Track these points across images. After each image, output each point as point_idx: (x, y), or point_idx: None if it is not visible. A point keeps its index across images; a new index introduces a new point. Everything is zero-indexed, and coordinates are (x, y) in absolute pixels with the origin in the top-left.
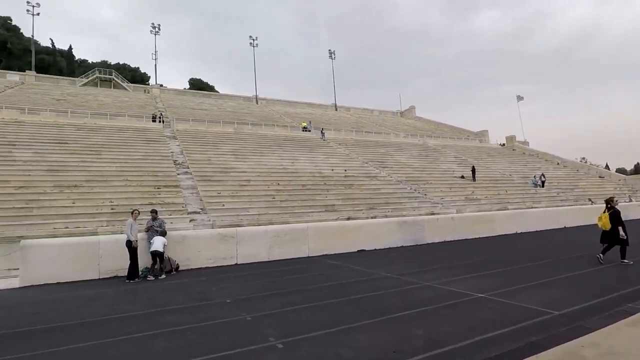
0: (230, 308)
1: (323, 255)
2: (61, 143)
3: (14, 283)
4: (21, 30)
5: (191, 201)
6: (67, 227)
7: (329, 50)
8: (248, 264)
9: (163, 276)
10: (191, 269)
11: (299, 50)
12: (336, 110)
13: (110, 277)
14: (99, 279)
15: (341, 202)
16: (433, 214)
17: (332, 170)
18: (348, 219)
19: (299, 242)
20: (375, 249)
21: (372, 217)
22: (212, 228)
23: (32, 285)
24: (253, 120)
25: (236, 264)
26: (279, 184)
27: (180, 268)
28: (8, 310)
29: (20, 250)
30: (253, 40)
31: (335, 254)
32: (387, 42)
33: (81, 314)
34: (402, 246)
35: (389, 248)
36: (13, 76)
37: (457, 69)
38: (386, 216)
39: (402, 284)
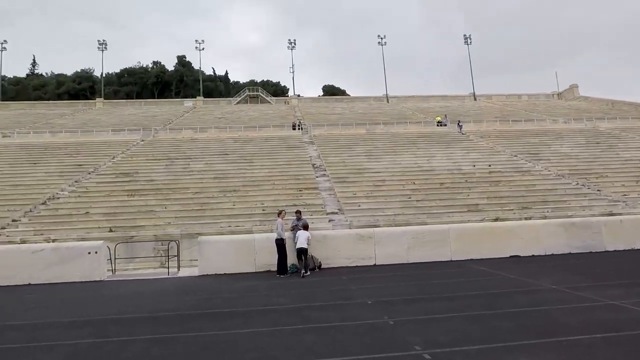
0: (371, 309)
1: (468, 259)
2: (223, 154)
3: (195, 272)
4: (192, 64)
5: (329, 202)
6: (230, 226)
7: (464, 35)
8: (386, 265)
9: (308, 273)
10: (332, 268)
11: (428, 42)
12: (475, 99)
13: (263, 271)
14: (255, 272)
15: (486, 201)
16: (612, 214)
17: (474, 166)
18: (496, 219)
19: (439, 244)
20: (533, 255)
21: (526, 218)
22: (350, 228)
23: (207, 275)
24: (385, 120)
25: (374, 265)
26: (414, 183)
27: (322, 266)
28: (191, 294)
29: (199, 245)
30: (381, 39)
31: (482, 258)
32: (535, 16)
33: (243, 302)
34: (569, 253)
35: (552, 255)
36: (188, 102)
37: (636, 34)
38: (545, 217)
39: (575, 299)
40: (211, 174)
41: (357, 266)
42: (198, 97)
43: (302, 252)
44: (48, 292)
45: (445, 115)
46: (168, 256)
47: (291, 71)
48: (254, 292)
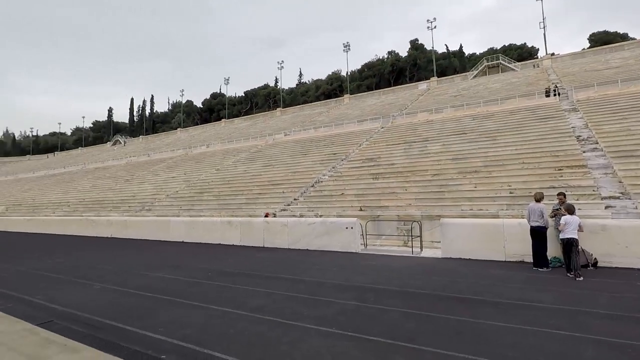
0: None
1: None
2: (460, 134)
3: (437, 253)
4: (424, 46)
5: (604, 183)
6: (472, 209)
7: None
8: None
9: (580, 278)
10: (615, 267)
11: None
12: None
13: (515, 262)
14: (505, 261)
15: None
16: None
17: None
18: None
19: None
20: None
21: None
22: None
23: (450, 258)
24: None
25: None
26: None
27: (598, 264)
28: (437, 275)
29: (440, 227)
30: None
31: None
32: None
33: (492, 292)
34: None
35: None
36: (422, 85)
37: None
38: None
39: None
40: (449, 155)
41: None
42: (432, 78)
43: (571, 244)
44: (320, 257)
45: None
46: (411, 236)
47: (541, 27)
48: (505, 282)
